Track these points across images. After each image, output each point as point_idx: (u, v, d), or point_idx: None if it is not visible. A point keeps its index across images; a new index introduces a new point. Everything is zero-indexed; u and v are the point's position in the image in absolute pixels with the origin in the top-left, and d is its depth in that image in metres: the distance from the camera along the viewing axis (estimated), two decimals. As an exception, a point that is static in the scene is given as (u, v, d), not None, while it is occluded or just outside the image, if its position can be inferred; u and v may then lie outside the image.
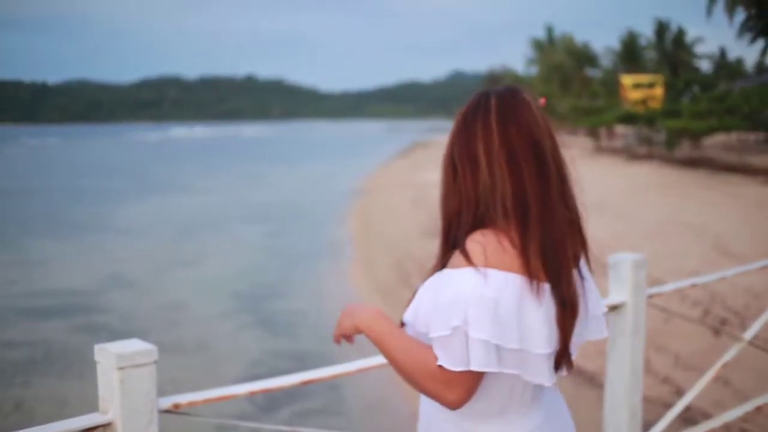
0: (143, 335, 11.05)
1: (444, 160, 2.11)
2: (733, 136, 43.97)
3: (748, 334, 4.98)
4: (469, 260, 1.90)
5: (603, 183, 29.55)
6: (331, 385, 9.36)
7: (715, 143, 42.68)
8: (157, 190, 38.64)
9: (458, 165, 2.05)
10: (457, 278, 1.90)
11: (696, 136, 38.57)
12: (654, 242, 16.64)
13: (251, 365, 10.78)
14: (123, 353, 2.32)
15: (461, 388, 1.87)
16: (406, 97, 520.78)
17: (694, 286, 4.46)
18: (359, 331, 2.08)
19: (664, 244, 15.80)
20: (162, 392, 2.55)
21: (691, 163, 33.67)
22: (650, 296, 4.08)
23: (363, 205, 29.10)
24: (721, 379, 7.72)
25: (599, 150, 47.08)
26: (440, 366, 1.88)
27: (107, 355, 2.33)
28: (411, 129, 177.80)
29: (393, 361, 1.97)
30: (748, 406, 4.98)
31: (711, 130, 37.10)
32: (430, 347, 1.92)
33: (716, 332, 9.53)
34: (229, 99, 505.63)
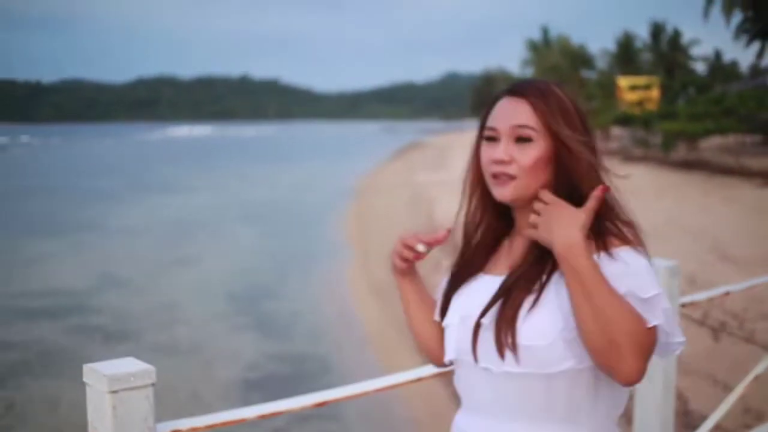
0: (137, 336, 11.01)
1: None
2: (730, 139, 43.97)
3: None
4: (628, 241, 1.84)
5: (599, 185, 29.44)
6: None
7: (711, 146, 42.63)
8: (152, 189, 38.50)
9: None
10: (628, 254, 1.81)
11: (692, 139, 38.52)
12: (650, 246, 16.54)
13: (246, 368, 10.67)
14: (116, 375, 1.98)
15: (646, 362, 1.68)
16: (400, 98, 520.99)
17: (727, 294, 4.31)
18: (557, 248, 1.74)
19: (661, 247, 15.70)
20: (156, 395, 2.36)
21: (688, 166, 33.64)
22: (682, 305, 3.94)
23: (359, 205, 29.02)
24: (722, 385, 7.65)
25: (595, 152, 46.93)
26: (649, 327, 1.70)
27: (97, 376, 2.01)
28: (406, 130, 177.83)
29: (598, 311, 1.65)
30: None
31: (707, 133, 37.04)
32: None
33: (716, 336, 9.47)
34: (225, 99, 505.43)
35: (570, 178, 1.87)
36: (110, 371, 2.02)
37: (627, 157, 41.59)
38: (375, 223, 23.52)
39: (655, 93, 50.96)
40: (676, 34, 65.71)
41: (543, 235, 1.78)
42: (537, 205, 1.83)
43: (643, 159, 39.51)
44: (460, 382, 1.95)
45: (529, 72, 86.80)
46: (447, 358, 1.95)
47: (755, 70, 58.70)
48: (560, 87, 1.92)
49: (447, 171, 39.09)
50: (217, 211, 29.43)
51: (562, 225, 1.75)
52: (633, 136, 48.77)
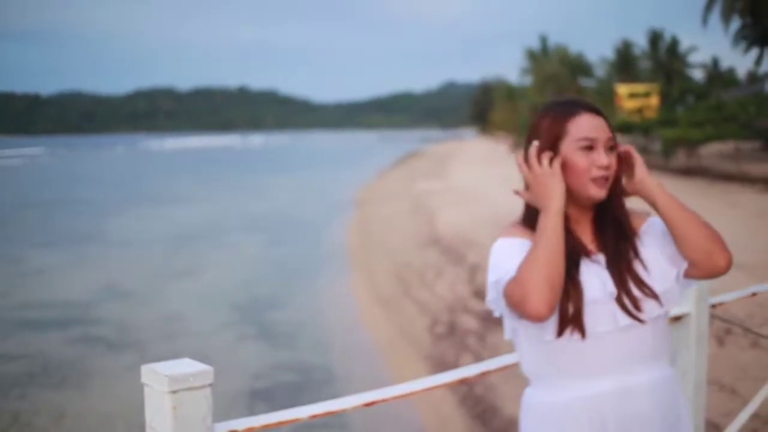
0: (141, 347, 10.99)
1: None
2: (729, 145, 43.97)
3: None
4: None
5: (600, 192, 29.45)
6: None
7: (711, 152, 42.65)
8: (153, 201, 38.55)
9: None
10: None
11: (692, 145, 38.52)
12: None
13: (252, 378, 10.65)
14: (176, 375, 2.02)
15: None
16: (398, 107, 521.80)
17: (755, 294, 4.30)
18: (656, 187, 2.26)
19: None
20: None
21: (688, 172, 33.65)
22: (712, 306, 3.97)
23: (360, 215, 29.03)
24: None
25: (595, 159, 47.01)
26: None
27: (158, 377, 2.04)
28: (404, 139, 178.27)
29: (696, 217, 2.21)
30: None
31: (707, 139, 37.05)
32: None
33: (720, 342, 9.44)
34: (223, 110, 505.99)
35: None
36: (170, 372, 2.05)
37: (627, 164, 41.59)
38: (376, 233, 23.52)
39: (654, 100, 50.94)
40: (674, 42, 65.77)
41: (648, 182, 2.26)
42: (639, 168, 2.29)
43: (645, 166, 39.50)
44: (588, 354, 2.22)
45: (527, 81, 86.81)
46: (601, 328, 2.20)
47: (753, 77, 58.80)
48: None
49: (447, 180, 39.10)
50: (219, 221, 29.44)
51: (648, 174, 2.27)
52: (633, 144, 48.66)
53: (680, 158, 39.91)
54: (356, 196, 36.53)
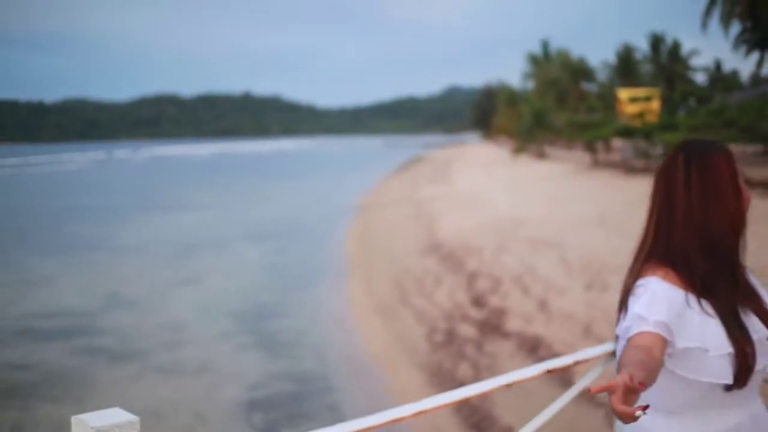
0: (143, 357, 11.07)
1: None
2: (732, 150, 43.90)
3: None
4: None
5: (601, 198, 29.54)
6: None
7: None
8: (157, 208, 38.61)
9: None
10: None
11: (694, 150, 38.48)
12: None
13: (251, 388, 10.72)
14: (102, 427, 2.08)
15: None
16: (403, 112, 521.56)
17: None
18: None
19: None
20: (161, 417, 2.43)
21: (689, 177, 33.67)
22: None
23: (363, 221, 29.09)
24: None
25: (596, 164, 47.04)
26: None
27: (85, 428, 2.11)
28: (408, 144, 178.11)
29: None
30: None
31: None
32: None
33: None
34: (227, 116, 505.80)
35: None
36: (97, 423, 2.10)
37: (629, 169, 41.60)
38: (377, 240, 23.60)
39: (655, 104, 50.91)
40: (676, 46, 65.82)
41: None
42: None
43: (645, 170, 39.49)
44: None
45: (529, 85, 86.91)
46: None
47: (756, 80, 58.72)
48: None
49: (449, 185, 39.19)
50: (223, 229, 29.53)
51: None
52: (634, 148, 48.71)
53: (682, 162, 39.92)
54: (359, 202, 36.58)
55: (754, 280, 2.43)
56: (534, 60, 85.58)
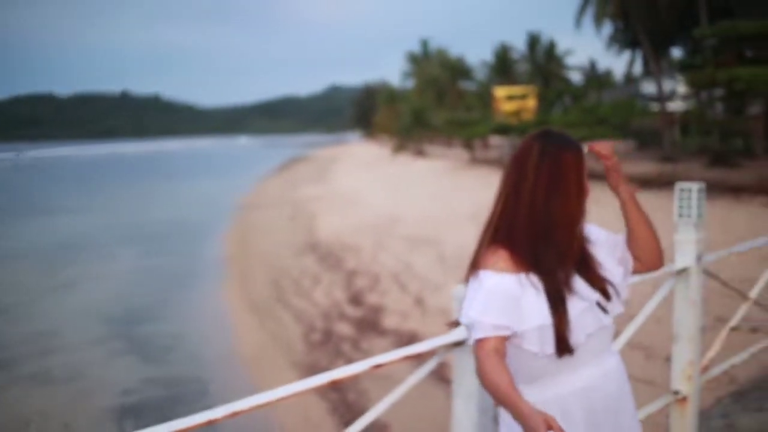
0: (12, 366, 10.66)
1: None
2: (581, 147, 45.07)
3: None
4: None
5: (478, 194, 29.96)
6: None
7: (586, 153, 43.70)
8: (34, 212, 37.49)
9: None
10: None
11: (567, 146, 39.38)
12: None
13: (122, 394, 10.47)
14: None
15: None
16: (284, 111, 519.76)
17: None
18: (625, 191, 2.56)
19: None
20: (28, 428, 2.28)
21: (563, 172, 34.46)
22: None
23: (241, 222, 28.83)
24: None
25: (474, 161, 47.74)
26: None
27: None
28: (290, 144, 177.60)
29: (651, 229, 2.58)
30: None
31: (582, 140, 37.92)
32: None
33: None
34: (106, 117, 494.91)
35: None
36: None
37: (505, 165, 42.27)
38: (255, 241, 23.41)
39: (531, 102, 51.83)
40: (552, 45, 67.10)
41: (619, 188, 2.56)
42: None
43: (522, 167, 40.30)
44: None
45: (409, 84, 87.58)
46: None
47: (629, 78, 60.42)
48: None
49: (329, 185, 39.19)
50: (100, 233, 28.84)
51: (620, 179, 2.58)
52: (511, 145, 49.63)
53: (557, 159, 40.86)
54: (237, 203, 36.26)
55: (601, 238, 2.58)
56: (414, 59, 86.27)
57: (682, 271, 4.70)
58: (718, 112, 37.22)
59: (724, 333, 5.54)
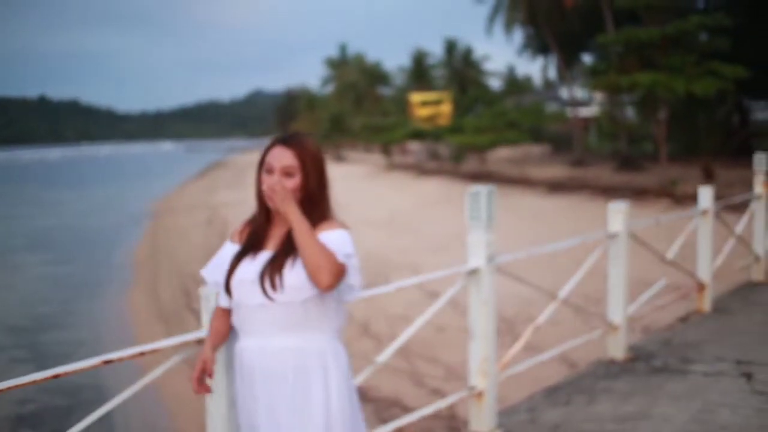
0: None
1: None
2: (518, 150, 45.93)
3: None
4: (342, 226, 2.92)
5: (393, 199, 30.22)
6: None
7: (501, 157, 44.36)
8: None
9: None
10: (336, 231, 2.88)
11: (481, 151, 39.96)
12: (440, 255, 17.22)
13: (17, 403, 10.41)
14: None
15: (337, 281, 2.74)
16: (206, 116, 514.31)
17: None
18: (286, 213, 2.78)
19: (450, 256, 16.30)
20: None
21: (477, 177, 34.91)
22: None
23: (153, 228, 28.65)
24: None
25: (392, 166, 48.05)
26: (339, 263, 2.75)
27: None
28: (211, 149, 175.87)
29: (310, 246, 2.72)
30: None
31: (493, 144, 38.61)
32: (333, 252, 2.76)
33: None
34: (21, 121, 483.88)
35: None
36: None
37: (422, 170, 42.73)
38: (168, 246, 23.32)
39: (446, 108, 52.28)
40: (468, 51, 67.74)
41: (284, 211, 2.78)
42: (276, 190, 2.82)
43: (437, 172, 40.70)
44: (241, 319, 2.96)
45: (329, 89, 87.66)
46: (249, 301, 2.87)
47: (547, 83, 61.41)
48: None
49: (246, 191, 39.03)
50: (4, 240, 28.38)
51: (292, 205, 2.80)
52: (427, 150, 50.14)
53: (472, 163, 41.36)
54: (153, 208, 36.00)
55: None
56: (332, 64, 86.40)
57: (474, 272, 4.96)
58: (628, 116, 38.12)
59: (528, 331, 5.76)
